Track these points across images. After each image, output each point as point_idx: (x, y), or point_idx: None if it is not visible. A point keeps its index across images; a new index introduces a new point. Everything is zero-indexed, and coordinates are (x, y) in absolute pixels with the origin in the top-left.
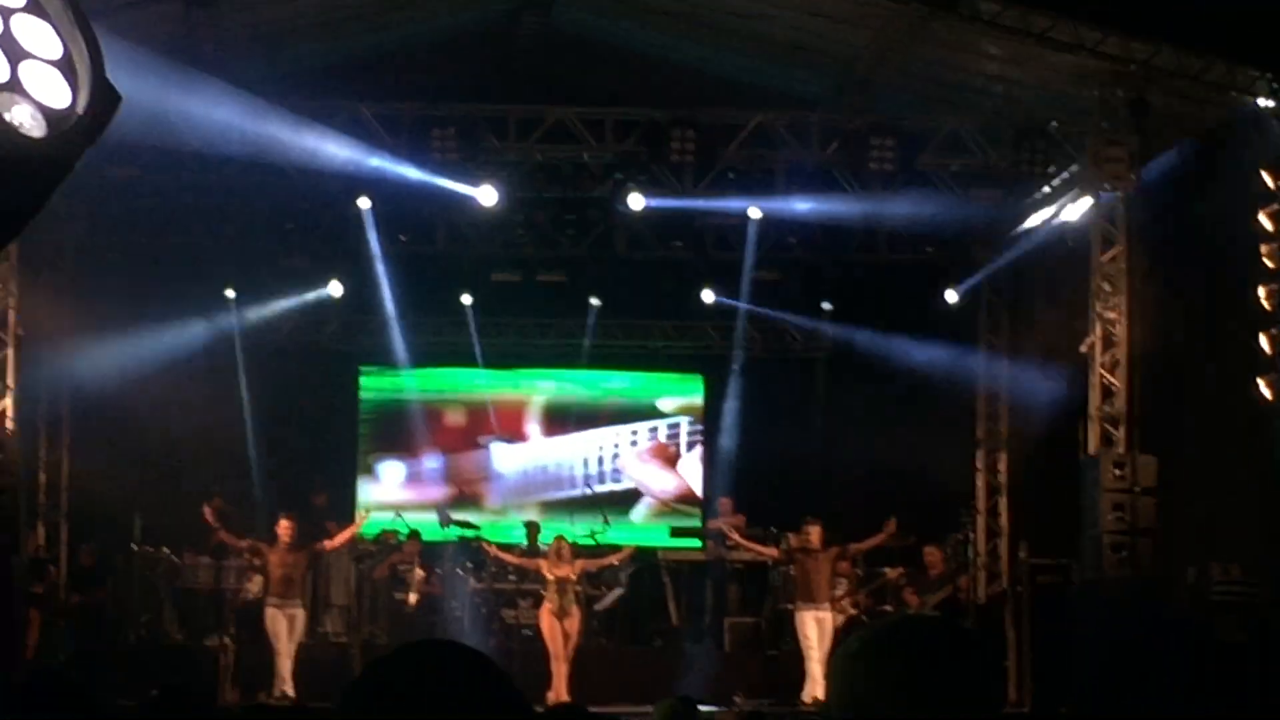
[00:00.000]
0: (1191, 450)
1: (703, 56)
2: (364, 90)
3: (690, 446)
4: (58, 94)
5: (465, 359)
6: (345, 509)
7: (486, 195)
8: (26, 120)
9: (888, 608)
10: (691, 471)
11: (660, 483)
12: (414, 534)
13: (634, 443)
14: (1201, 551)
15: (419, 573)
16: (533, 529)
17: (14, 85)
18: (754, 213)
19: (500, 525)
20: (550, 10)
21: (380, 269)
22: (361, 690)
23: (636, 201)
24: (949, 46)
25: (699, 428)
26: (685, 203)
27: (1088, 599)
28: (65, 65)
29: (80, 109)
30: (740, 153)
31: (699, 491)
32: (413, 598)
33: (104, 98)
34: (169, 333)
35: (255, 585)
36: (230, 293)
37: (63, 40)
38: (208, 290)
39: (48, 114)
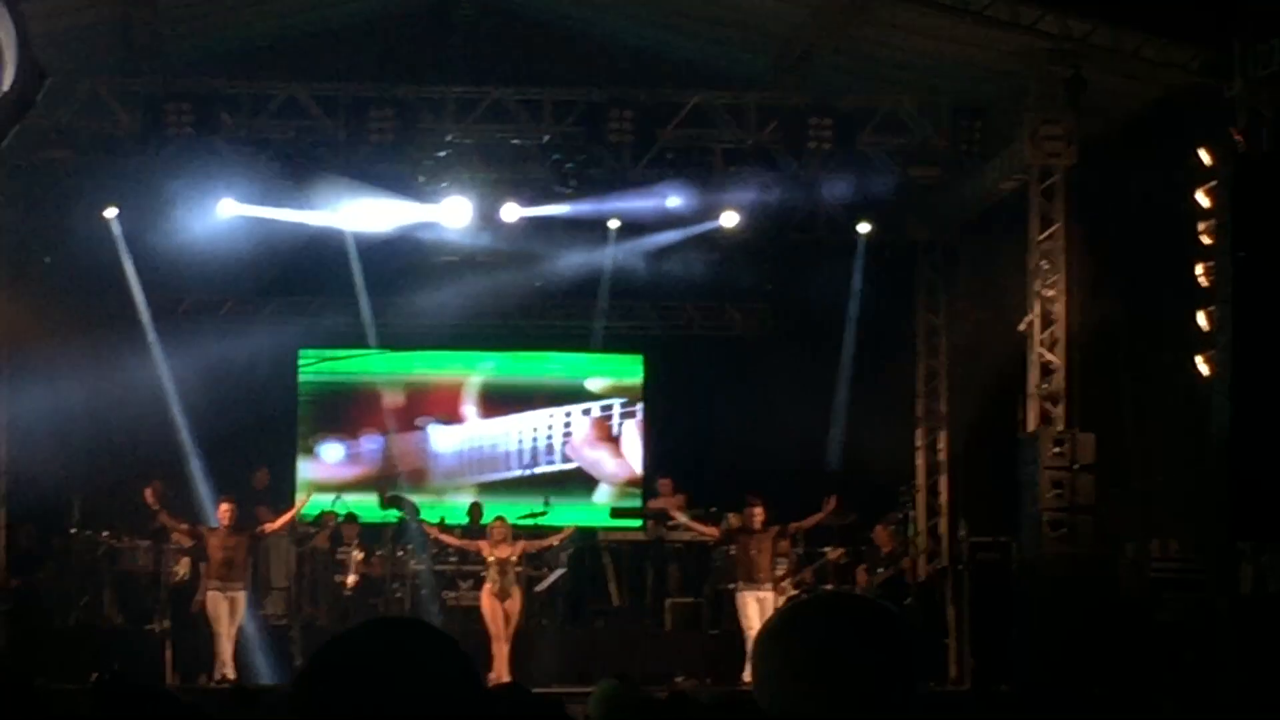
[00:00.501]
0: (1130, 428)
1: (640, 35)
2: (302, 71)
3: (621, 426)
4: None
5: (403, 341)
6: (285, 491)
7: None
8: None
9: (829, 587)
10: (630, 452)
11: (609, 466)
12: (350, 516)
13: (567, 424)
14: (1140, 529)
15: (357, 555)
16: (475, 510)
17: None
18: (673, 201)
19: (439, 506)
20: None
21: (322, 249)
22: (319, 667)
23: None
24: (887, 25)
25: (635, 408)
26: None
27: (1027, 577)
28: None
29: (6, 86)
30: (678, 132)
31: (638, 471)
32: (351, 579)
33: (31, 75)
34: (103, 318)
35: (183, 567)
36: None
37: None
38: (146, 274)
39: None
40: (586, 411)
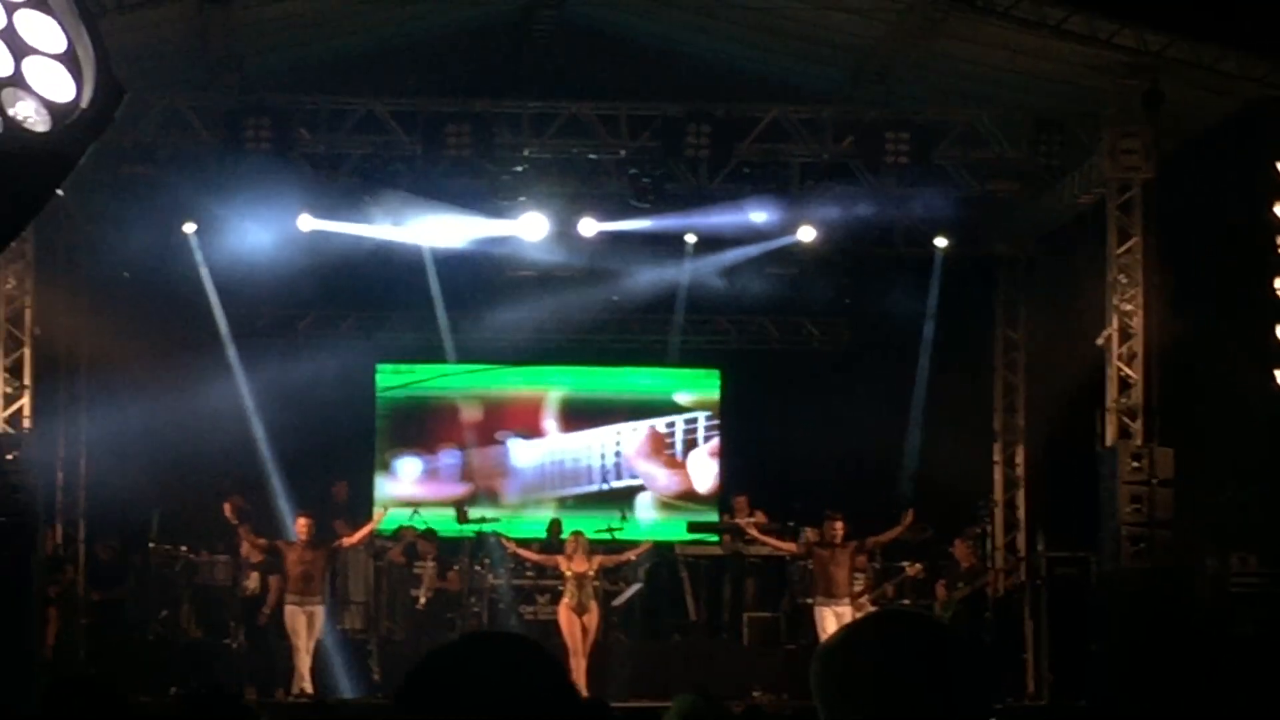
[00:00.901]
0: (1209, 442)
1: (716, 49)
2: (379, 86)
3: (707, 440)
4: (62, 88)
5: (483, 355)
6: (363, 506)
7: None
8: (31, 115)
9: (906, 602)
10: (704, 466)
11: (661, 479)
12: (428, 531)
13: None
14: (1219, 543)
15: (430, 570)
16: (555, 526)
17: (18, 80)
18: (757, 216)
19: (518, 521)
20: (564, 4)
21: (400, 264)
22: (421, 680)
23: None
24: (964, 39)
25: (715, 422)
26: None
27: (1106, 591)
28: (69, 59)
29: (84, 103)
30: (755, 147)
31: (703, 487)
32: (424, 595)
33: (108, 91)
34: (183, 333)
35: (253, 582)
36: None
37: (66, 34)
38: (225, 289)
39: (52, 108)
40: (670, 425)
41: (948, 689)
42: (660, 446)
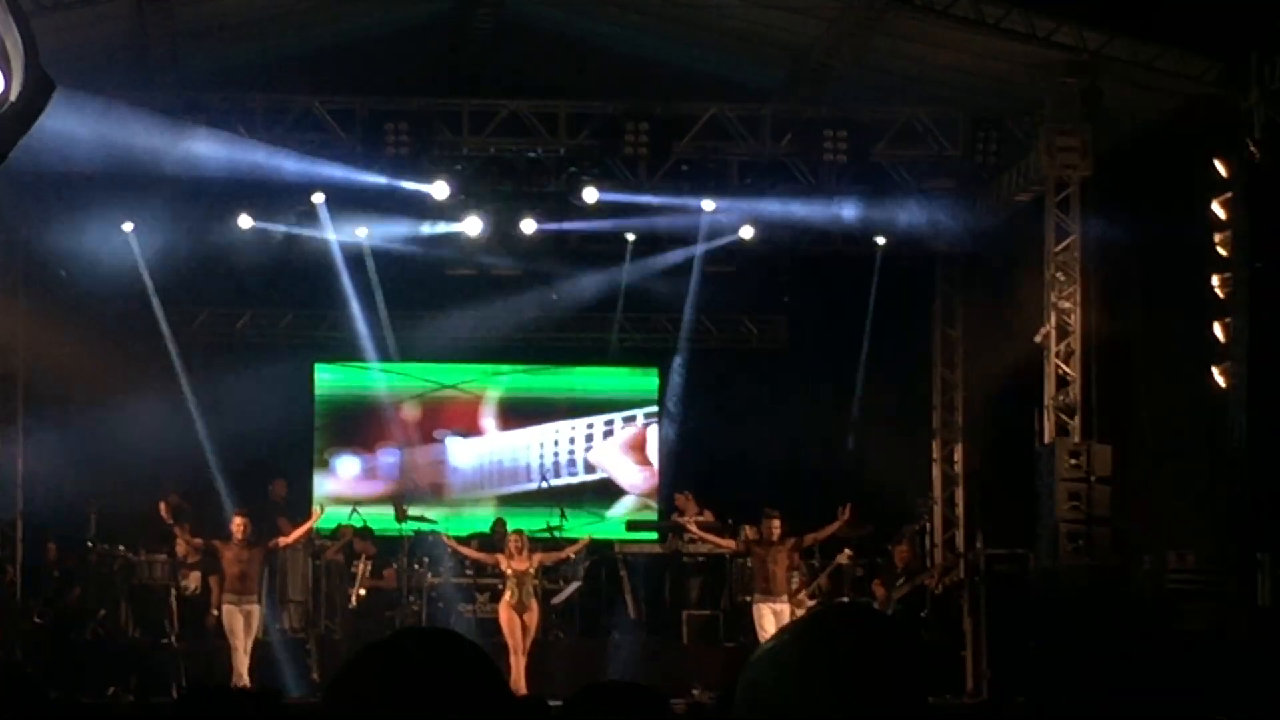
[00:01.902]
0: (1147, 439)
1: (655, 47)
2: (317, 85)
3: (645, 428)
4: None
5: (420, 354)
6: (301, 504)
7: (439, 190)
8: None
9: (844, 599)
10: (634, 461)
11: (630, 476)
12: (365, 529)
13: (589, 435)
14: (1157, 540)
15: (364, 569)
16: (500, 524)
17: None
18: (707, 205)
19: (457, 519)
20: (502, 2)
21: (339, 263)
22: (352, 675)
23: (590, 195)
24: (902, 37)
25: (653, 421)
26: (638, 197)
27: (1044, 588)
28: None
29: (13, 96)
30: (693, 145)
31: (642, 479)
32: (356, 594)
33: (37, 85)
34: (122, 330)
35: (192, 581)
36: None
37: None
38: (163, 288)
39: None
40: (609, 423)
41: (897, 682)
42: (639, 445)
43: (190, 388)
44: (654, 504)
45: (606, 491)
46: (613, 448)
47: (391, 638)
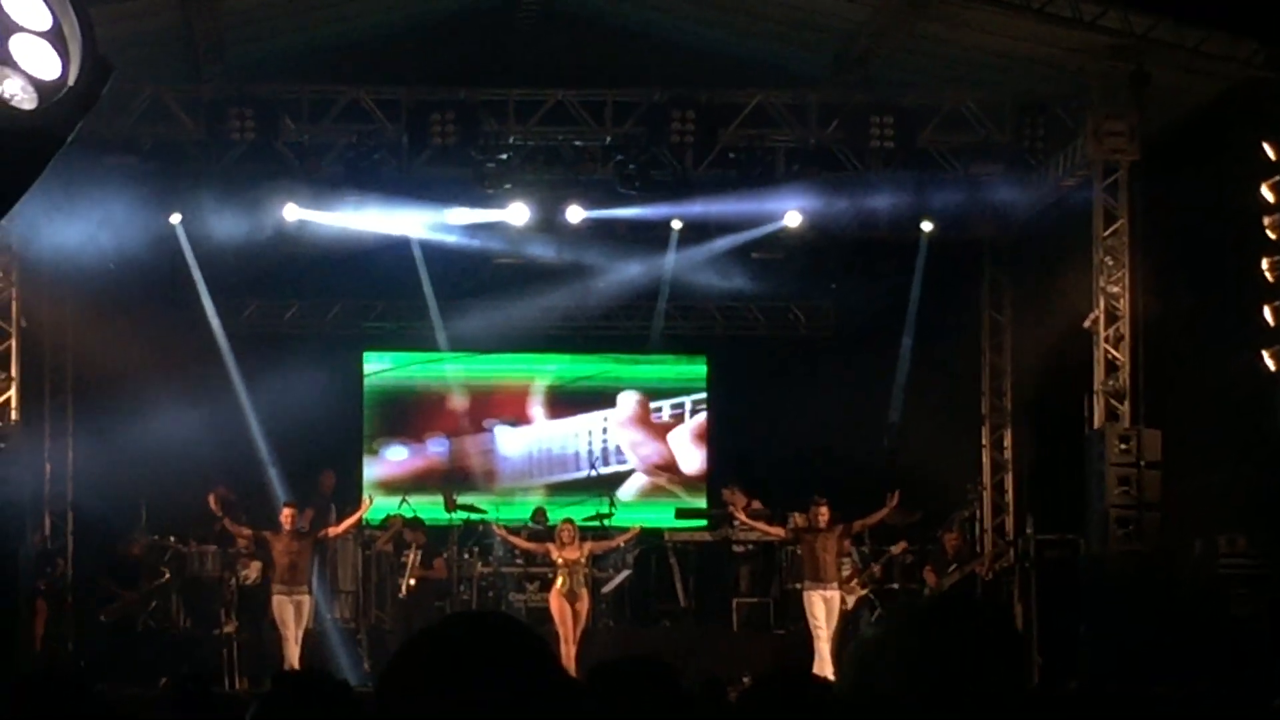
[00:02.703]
0: (1197, 424)
1: (701, 34)
2: (363, 75)
3: (693, 415)
4: (48, 66)
5: (468, 343)
6: (351, 494)
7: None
8: (17, 92)
9: (894, 586)
10: (687, 447)
11: (643, 449)
12: (415, 520)
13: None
14: (1208, 525)
15: (415, 558)
16: (540, 515)
17: (4, 58)
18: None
19: (506, 508)
20: None
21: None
22: (404, 662)
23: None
24: (948, 22)
25: (702, 408)
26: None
27: (1094, 574)
28: (55, 37)
29: (71, 80)
30: (740, 133)
31: (689, 467)
32: (407, 584)
33: (95, 69)
34: (171, 323)
35: (253, 571)
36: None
37: (53, 12)
38: (210, 279)
39: (39, 86)
40: (658, 410)
41: (992, 673)
42: (646, 414)
43: (240, 379)
44: (697, 490)
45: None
46: (623, 422)
47: (441, 623)
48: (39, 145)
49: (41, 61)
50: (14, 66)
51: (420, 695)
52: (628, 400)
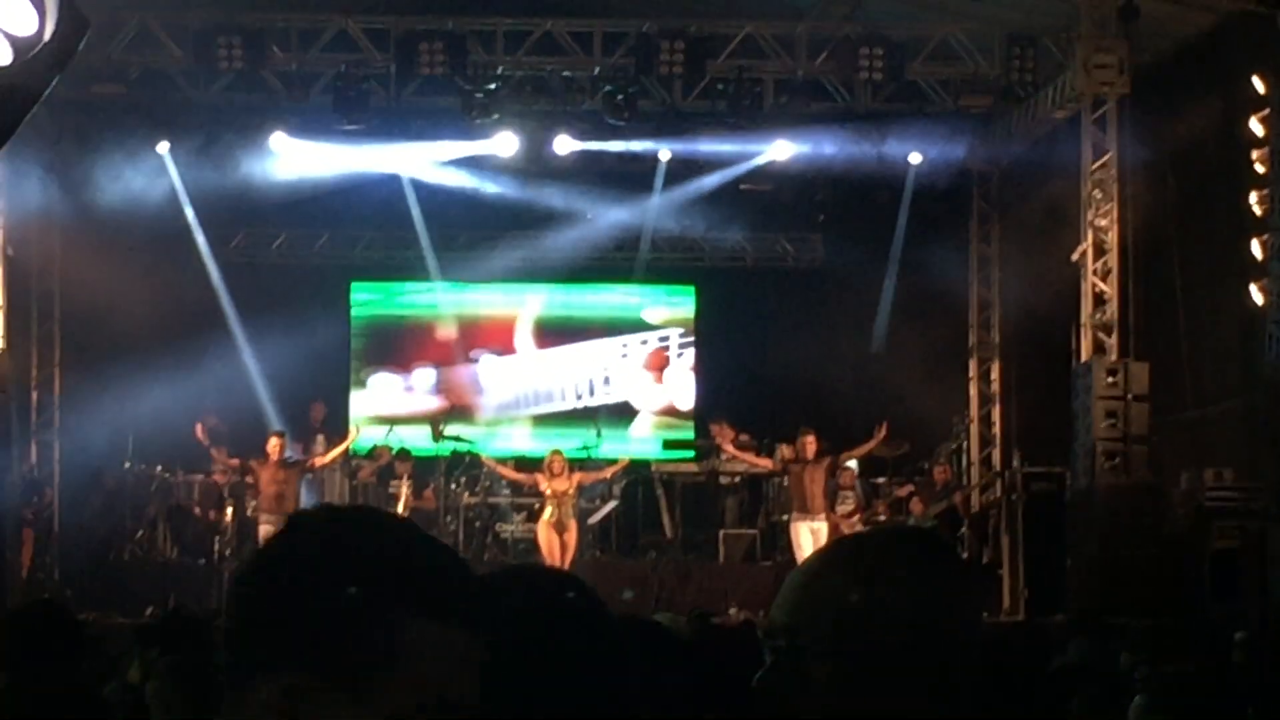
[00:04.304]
0: (1184, 357)
1: None
2: (352, 3)
3: (681, 356)
4: (24, 21)
5: (456, 273)
6: (338, 424)
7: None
8: None
9: (881, 517)
10: (679, 383)
11: (649, 395)
12: (402, 451)
13: (624, 355)
14: (1194, 458)
15: (406, 489)
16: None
17: None
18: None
19: (492, 438)
20: None
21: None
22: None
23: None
24: None
25: (689, 339)
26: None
27: (1081, 507)
28: None
29: (47, 35)
30: (728, 64)
31: (684, 405)
32: (403, 513)
33: (72, 23)
34: (158, 252)
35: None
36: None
37: None
38: (197, 207)
39: (14, 41)
40: (644, 342)
41: (948, 601)
42: (662, 363)
43: (233, 309)
44: (676, 421)
45: (627, 411)
46: (636, 366)
47: (293, 518)
48: (15, 101)
49: (17, 17)
50: None
51: (279, 591)
52: (639, 349)
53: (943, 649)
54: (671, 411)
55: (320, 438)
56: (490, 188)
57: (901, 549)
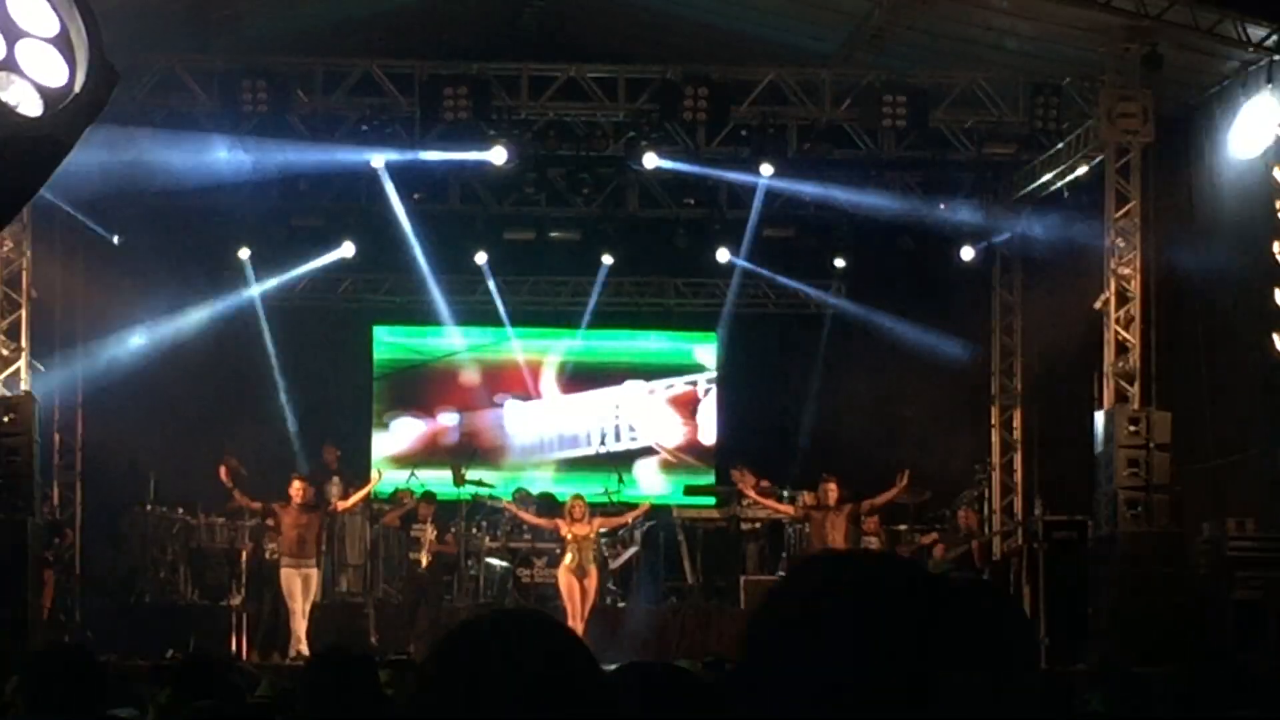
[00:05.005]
0: (1207, 406)
1: (714, 11)
2: (376, 48)
3: (706, 394)
4: (55, 72)
5: (480, 318)
6: (360, 467)
7: (497, 155)
8: (23, 99)
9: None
10: (706, 423)
11: (671, 432)
12: (427, 494)
13: (651, 393)
14: (1216, 508)
15: (430, 533)
16: (521, 497)
17: (10, 64)
18: (766, 169)
19: (516, 483)
20: None
21: (406, 226)
22: (445, 659)
23: (651, 160)
24: (962, 1)
25: (711, 386)
26: (698, 168)
27: (1102, 555)
28: (62, 43)
29: (78, 87)
30: (752, 110)
31: (708, 440)
32: (425, 558)
33: (102, 75)
34: (182, 294)
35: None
36: (244, 253)
37: (60, 17)
38: (222, 251)
39: (45, 92)
40: (670, 387)
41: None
42: (691, 401)
43: (262, 354)
44: (706, 467)
45: (650, 454)
46: (661, 403)
47: (482, 618)
48: (44, 152)
49: (48, 68)
50: (20, 72)
51: (458, 691)
52: (670, 390)
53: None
54: (695, 447)
55: (335, 480)
56: (514, 232)
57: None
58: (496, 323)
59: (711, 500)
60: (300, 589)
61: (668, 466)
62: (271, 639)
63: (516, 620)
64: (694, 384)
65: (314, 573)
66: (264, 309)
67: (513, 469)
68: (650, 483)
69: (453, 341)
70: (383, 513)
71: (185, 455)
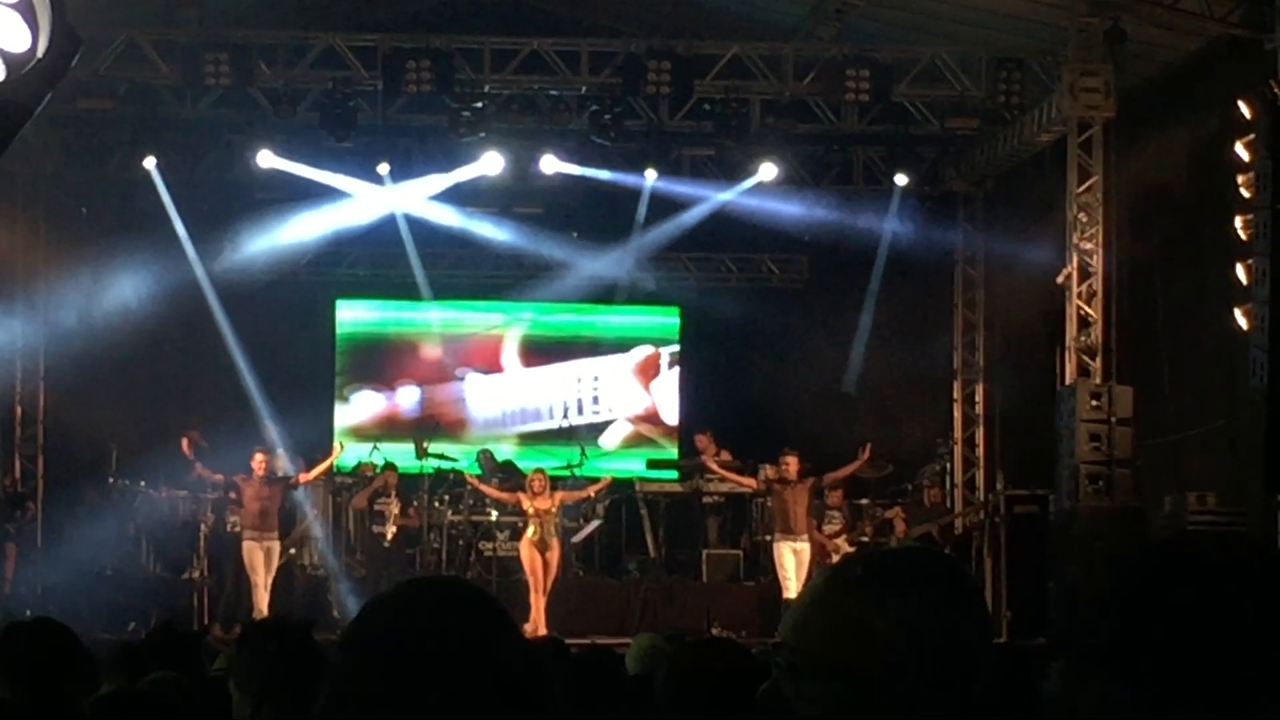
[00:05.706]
0: (1168, 381)
1: None
2: (339, 21)
3: (669, 368)
4: (17, 37)
5: (443, 292)
6: (321, 440)
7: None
8: None
9: (865, 538)
10: (666, 397)
11: (633, 402)
12: (389, 466)
13: (612, 367)
14: (1177, 481)
15: (395, 505)
16: (483, 456)
17: None
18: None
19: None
20: None
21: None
22: (360, 630)
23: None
24: None
25: (675, 361)
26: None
27: (1064, 530)
28: (25, 8)
29: (40, 52)
30: (715, 84)
31: (670, 418)
32: (390, 531)
33: (65, 40)
34: (144, 266)
35: (240, 519)
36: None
37: None
38: (184, 222)
39: (7, 58)
40: (631, 355)
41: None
42: (651, 369)
43: (228, 325)
44: (669, 441)
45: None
46: (625, 372)
47: (397, 588)
48: (7, 117)
49: (11, 33)
50: None
51: (375, 663)
52: (640, 351)
53: (958, 669)
54: (654, 418)
55: (279, 453)
56: (477, 206)
57: (917, 568)
58: (458, 296)
59: (674, 474)
60: (262, 562)
61: (630, 440)
62: (233, 612)
63: (435, 589)
64: (656, 352)
65: (276, 545)
66: (217, 286)
67: (475, 442)
68: (612, 456)
69: (415, 315)
70: (345, 485)
71: (147, 428)
